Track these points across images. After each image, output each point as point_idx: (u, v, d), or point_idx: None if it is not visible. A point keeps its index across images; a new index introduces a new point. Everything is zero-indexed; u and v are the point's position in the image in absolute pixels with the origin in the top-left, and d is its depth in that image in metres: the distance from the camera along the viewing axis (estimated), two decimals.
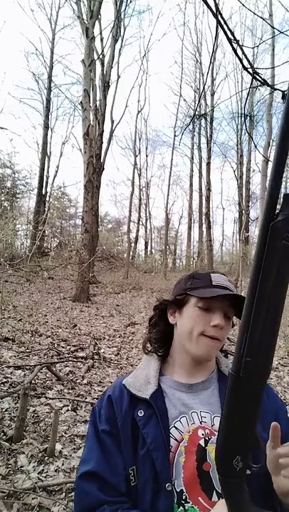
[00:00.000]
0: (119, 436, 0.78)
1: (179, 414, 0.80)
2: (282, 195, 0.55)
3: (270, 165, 0.54)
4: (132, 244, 23.50)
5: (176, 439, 0.77)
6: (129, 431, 0.78)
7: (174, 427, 0.79)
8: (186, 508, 0.72)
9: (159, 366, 0.89)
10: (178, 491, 0.73)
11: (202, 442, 0.78)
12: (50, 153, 20.10)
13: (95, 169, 11.77)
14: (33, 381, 3.51)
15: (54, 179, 20.34)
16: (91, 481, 0.75)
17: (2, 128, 11.14)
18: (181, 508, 0.72)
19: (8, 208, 18.43)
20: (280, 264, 0.51)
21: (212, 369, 0.89)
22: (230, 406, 0.57)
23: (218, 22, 1.35)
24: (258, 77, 1.65)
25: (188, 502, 0.73)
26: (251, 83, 1.68)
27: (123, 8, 14.74)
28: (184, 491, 0.73)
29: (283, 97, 0.53)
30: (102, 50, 14.51)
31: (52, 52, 19.17)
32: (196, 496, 0.73)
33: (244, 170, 22.38)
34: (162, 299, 0.94)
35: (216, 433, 0.73)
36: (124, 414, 0.80)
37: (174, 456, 0.76)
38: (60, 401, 3.23)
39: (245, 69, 1.61)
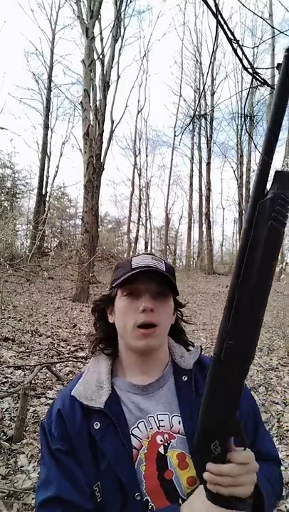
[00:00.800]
0: (76, 453, 0.71)
1: (136, 420, 0.74)
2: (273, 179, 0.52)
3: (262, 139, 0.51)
4: (132, 244, 23.51)
5: (135, 448, 0.72)
6: (87, 446, 0.72)
7: (132, 434, 0.73)
8: None
9: (110, 366, 0.82)
10: (143, 500, 0.68)
11: (161, 449, 0.73)
12: (50, 153, 20.11)
13: (95, 169, 11.78)
14: (33, 381, 3.51)
15: (54, 179, 20.36)
16: (54, 507, 0.68)
17: (2, 128, 11.15)
18: None
19: (8, 207, 18.43)
20: (266, 246, 0.48)
21: (165, 362, 0.82)
22: (210, 389, 0.56)
23: (218, 22, 1.35)
24: (257, 77, 1.66)
25: None
26: (251, 83, 1.68)
27: (123, 8, 14.75)
28: (149, 500, 0.69)
29: (278, 67, 0.50)
30: (102, 50, 14.51)
31: (52, 52, 19.18)
32: (163, 505, 0.69)
33: (244, 170, 22.39)
34: (98, 299, 0.90)
35: (175, 435, 0.73)
36: (77, 429, 0.73)
37: (134, 465, 0.71)
38: None
39: (245, 69, 1.62)
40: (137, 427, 0.74)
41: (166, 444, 0.73)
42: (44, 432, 0.76)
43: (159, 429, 0.74)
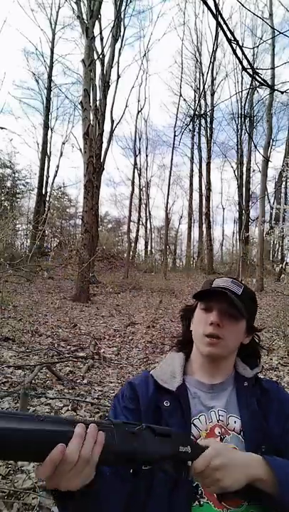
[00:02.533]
0: (140, 417, 0.80)
1: (198, 413, 0.84)
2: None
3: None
4: (132, 244, 23.50)
5: (193, 436, 0.80)
6: (151, 417, 0.80)
7: (193, 423, 0.82)
8: (202, 503, 0.75)
9: (184, 363, 0.93)
10: (193, 485, 0.75)
11: (218, 440, 0.80)
12: (50, 153, 20.13)
13: (95, 169, 11.77)
14: (33, 381, 3.51)
15: (54, 179, 20.38)
16: None
17: (2, 128, 11.14)
18: (196, 502, 0.75)
19: (8, 207, 18.41)
20: None
21: (230, 370, 0.92)
22: None
23: (218, 23, 1.35)
24: (257, 77, 1.65)
25: (204, 497, 0.75)
26: (251, 83, 1.68)
27: (123, 7, 14.76)
28: (200, 485, 0.75)
29: None
30: (102, 50, 14.52)
31: (52, 52, 19.20)
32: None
33: (244, 170, 22.39)
34: (184, 308, 1.02)
35: (230, 432, 0.82)
36: (148, 400, 0.83)
37: None
38: (60, 401, 3.23)
39: (245, 69, 1.61)
40: (198, 418, 0.83)
41: (222, 436, 0.81)
42: (116, 397, 0.89)
43: (218, 422, 0.83)
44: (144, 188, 25.74)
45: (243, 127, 21.20)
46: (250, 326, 0.92)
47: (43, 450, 0.48)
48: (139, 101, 21.15)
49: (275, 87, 1.88)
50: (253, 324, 0.94)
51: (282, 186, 22.14)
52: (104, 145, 15.28)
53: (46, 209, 18.24)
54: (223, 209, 27.97)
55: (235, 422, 0.83)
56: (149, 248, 26.86)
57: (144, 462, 0.59)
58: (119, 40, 15.45)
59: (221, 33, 1.57)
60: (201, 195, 23.74)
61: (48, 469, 0.49)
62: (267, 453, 0.77)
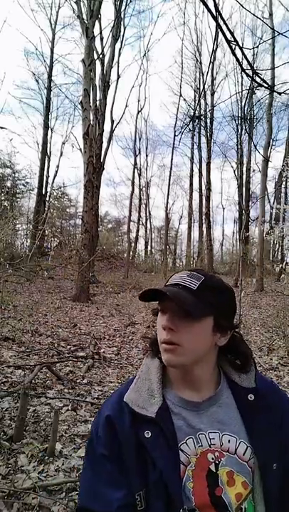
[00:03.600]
0: (122, 460, 0.72)
1: (185, 436, 0.74)
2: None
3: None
4: (132, 244, 23.52)
5: (182, 463, 0.72)
6: (134, 454, 0.72)
7: (180, 449, 0.73)
8: None
9: (161, 376, 0.80)
10: None
11: (212, 467, 0.73)
12: (50, 153, 20.12)
13: (94, 169, 11.77)
14: (33, 381, 3.51)
15: (54, 179, 20.38)
16: None
17: (2, 128, 11.13)
18: None
19: (8, 207, 18.42)
20: None
21: (214, 381, 0.81)
22: None
23: (218, 24, 1.36)
24: (257, 78, 1.66)
25: None
26: (251, 84, 1.68)
27: (123, 7, 14.75)
28: None
29: None
30: (102, 50, 14.51)
31: (52, 52, 19.19)
32: None
33: (244, 170, 22.37)
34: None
35: (225, 454, 0.74)
36: (126, 435, 0.73)
37: (182, 481, 0.71)
38: (60, 401, 3.23)
39: (244, 70, 1.62)
40: (186, 442, 0.74)
41: (217, 461, 0.73)
42: (91, 436, 0.78)
43: (210, 447, 0.74)
44: (144, 188, 25.79)
45: (243, 127, 21.19)
46: (221, 323, 0.76)
47: None
48: (139, 101, 21.28)
49: (275, 88, 1.88)
50: (227, 320, 0.78)
51: (282, 186, 22.14)
52: (104, 145, 15.28)
53: (46, 209, 18.24)
54: (223, 209, 28.05)
55: (229, 441, 0.74)
56: (149, 248, 26.88)
57: None
58: (119, 40, 15.45)
59: (220, 34, 1.57)
60: (201, 195, 23.74)
61: None
62: (278, 471, 0.74)
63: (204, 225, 22.92)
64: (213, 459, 0.73)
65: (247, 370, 0.81)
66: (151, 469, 0.70)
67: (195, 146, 23.68)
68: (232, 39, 1.49)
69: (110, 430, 0.74)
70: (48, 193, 20.31)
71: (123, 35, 15.74)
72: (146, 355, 0.86)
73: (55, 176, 20.10)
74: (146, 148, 24.83)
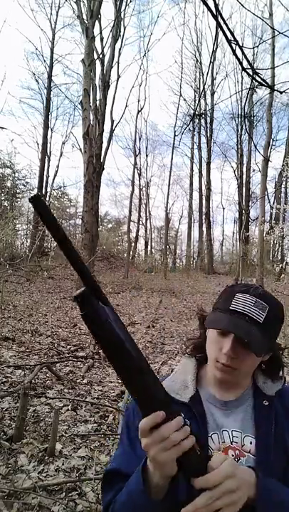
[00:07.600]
0: None
1: (210, 431, 0.77)
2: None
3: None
4: (132, 244, 23.50)
5: None
6: None
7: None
8: None
9: (196, 371, 0.85)
10: None
11: None
12: (50, 153, 20.13)
13: (95, 169, 11.77)
14: (33, 381, 3.51)
15: (54, 179, 20.40)
16: (114, 476, 0.77)
17: (2, 128, 11.14)
18: None
19: (8, 207, 18.42)
20: None
21: (246, 386, 0.83)
22: None
23: (218, 24, 1.36)
24: (257, 77, 1.66)
25: None
26: (251, 84, 1.68)
27: (123, 7, 14.73)
28: None
29: None
30: (102, 50, 14.49)
31: (52, 52, 19.20)
32: None
33: (244, 170, 22.40)
34: (201, 308, 0.90)
35: (246, 454, 0.75)
36: None
37: None
38: (60, 401, 3.23)
39: (245, 70, 1.62)
40: (211, 436, 0.77)
41: (236, 459, 0.74)
42: (128, 413, 0.85)
43: (232, 444, 0.76)
44: (144, 188, 25.76)
45: (244, 127, 21.20)
46: (273, 346, 0.80)
47: (155, 404, 0.56)
48: (139, 101, 21.15)
49: (275, 87, 1.88)
50: (275, 342, 0.81)
51: (282, 186, 22.15)
52: (104, 145, 15.24)
53: None
54: (223, 209, 28.01)
55: (251, 442, 0.76)
56: (149, 248, 26.88)
57: None
58: (119, 40, 15.41)
59: (220, 33, 1.57)
60: (201, 195, 23.75)
61: (150, 422, 0.56)
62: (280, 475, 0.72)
63: (204, 225, 22.95)
64: (233, 455, 0.75)
65: (273, 379, 0.83)
66: None
67: (195, 146, 23.72)
68: (232, 38, 1.49)
69: None
70: (48, 193, 20.33)
71: (123, 35, 15.70)
72: (185, 355, 0.91)
73: (55, 175, 20.16)
74: (147, 148, 24.82)
